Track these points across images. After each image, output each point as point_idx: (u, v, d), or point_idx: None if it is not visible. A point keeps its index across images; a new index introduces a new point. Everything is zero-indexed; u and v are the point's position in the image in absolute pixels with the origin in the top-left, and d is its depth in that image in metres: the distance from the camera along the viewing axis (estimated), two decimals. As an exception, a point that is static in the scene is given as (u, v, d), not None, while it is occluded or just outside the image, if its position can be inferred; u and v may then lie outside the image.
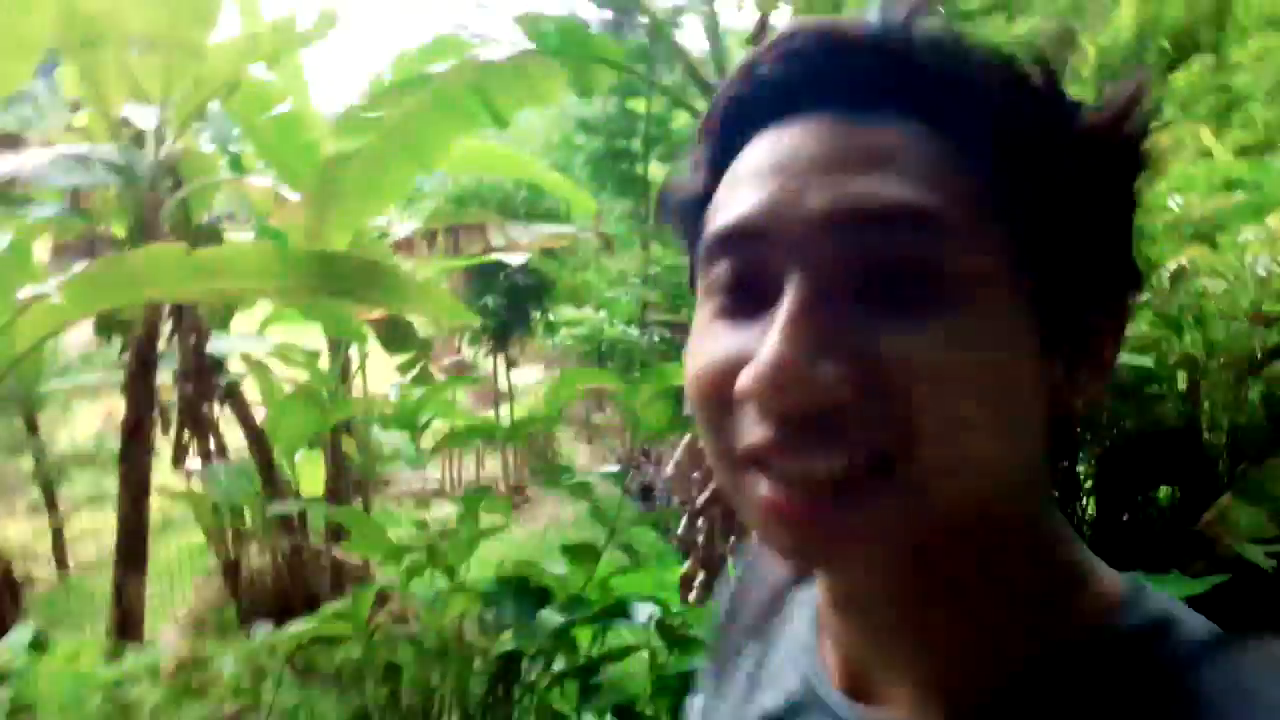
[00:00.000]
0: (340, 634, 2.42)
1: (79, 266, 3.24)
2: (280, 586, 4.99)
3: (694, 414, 0.37)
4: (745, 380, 0.32)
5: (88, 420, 6.19)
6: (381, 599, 2.84)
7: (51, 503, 5.21)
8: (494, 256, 4.74)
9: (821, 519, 0.33)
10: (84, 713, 2.12)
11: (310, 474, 5.30)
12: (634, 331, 6.74)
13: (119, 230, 4.23)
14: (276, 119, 4.54)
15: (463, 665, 2.33)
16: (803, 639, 0.45)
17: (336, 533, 5.33)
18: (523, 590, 2.48)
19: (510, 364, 6.68)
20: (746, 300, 0.35)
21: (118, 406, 6.95)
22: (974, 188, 0.33)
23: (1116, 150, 0.35)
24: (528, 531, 6.43)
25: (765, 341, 0.32)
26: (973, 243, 0.33)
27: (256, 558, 4.88)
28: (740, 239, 0.35)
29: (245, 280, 3.17)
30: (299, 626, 2.44)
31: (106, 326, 3.91)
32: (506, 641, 2.31)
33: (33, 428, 5.02)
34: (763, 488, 0.34)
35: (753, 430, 0.34)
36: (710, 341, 0.36)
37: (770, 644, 0.48)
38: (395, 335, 4.58)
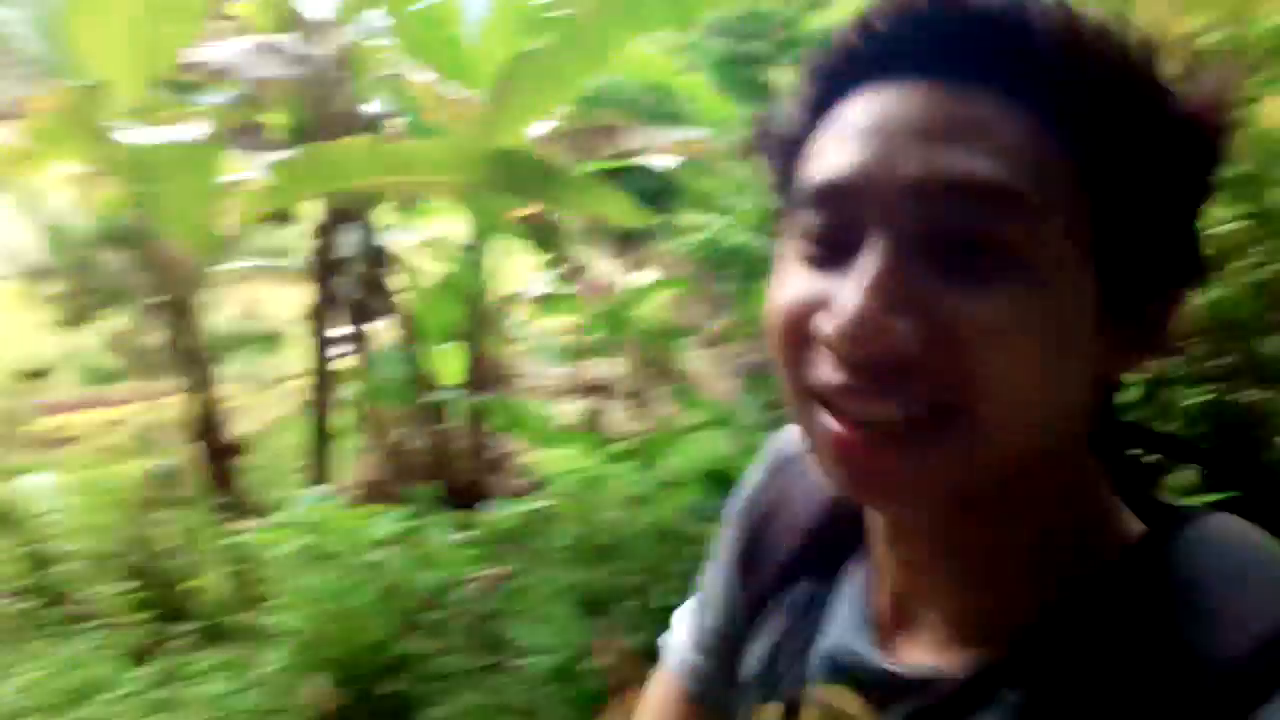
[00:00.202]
0: (563, 513, 2.60)
1: (273, 155, 3.38)
2: (428, 468, 5.33)
3: (770, 345, 0.40)
4: (824, 327, 0.36)
5: (229, 304, 6.55)
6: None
7: (210, 380, 5.57)
8: (641, 159, 4.73)
9: (882, 459, 0.36)
10: (355, 564, 2.37)
11: (450, 365, 5.55)
12: (756, 240, 6.65)
13: (276, 120, 4.35)
14: (422, 13, 4.53)
15: (677, 550, 2.49)
16: (857, 589, 0.48)
17: (477, 421, 5.61)
18: (726, 484, 2.60)
19: (634, 268, 6.74)
20: (831, 249, 0.37)
21: (256, 293, 7.29)
22: (1063, 168, 0.35)
23: (1203, 141, 0.37)
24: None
25: (846, 293, 0.35)
26: (1051, 223, 0.34)
27: (406, 440, 5.19)
28: (832, 194, 0.37)
29: (431, 173, 3.27)
30: (522, 506, 2.64)
31: (269, 214, 4.09)
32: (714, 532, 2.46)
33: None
34: (829, 423, 0.37)
35: (825, 371, 0.37)
36: (793, 282, 0.39)
37: (832, 583, 0.50)
38: (543, 234, 4.66)
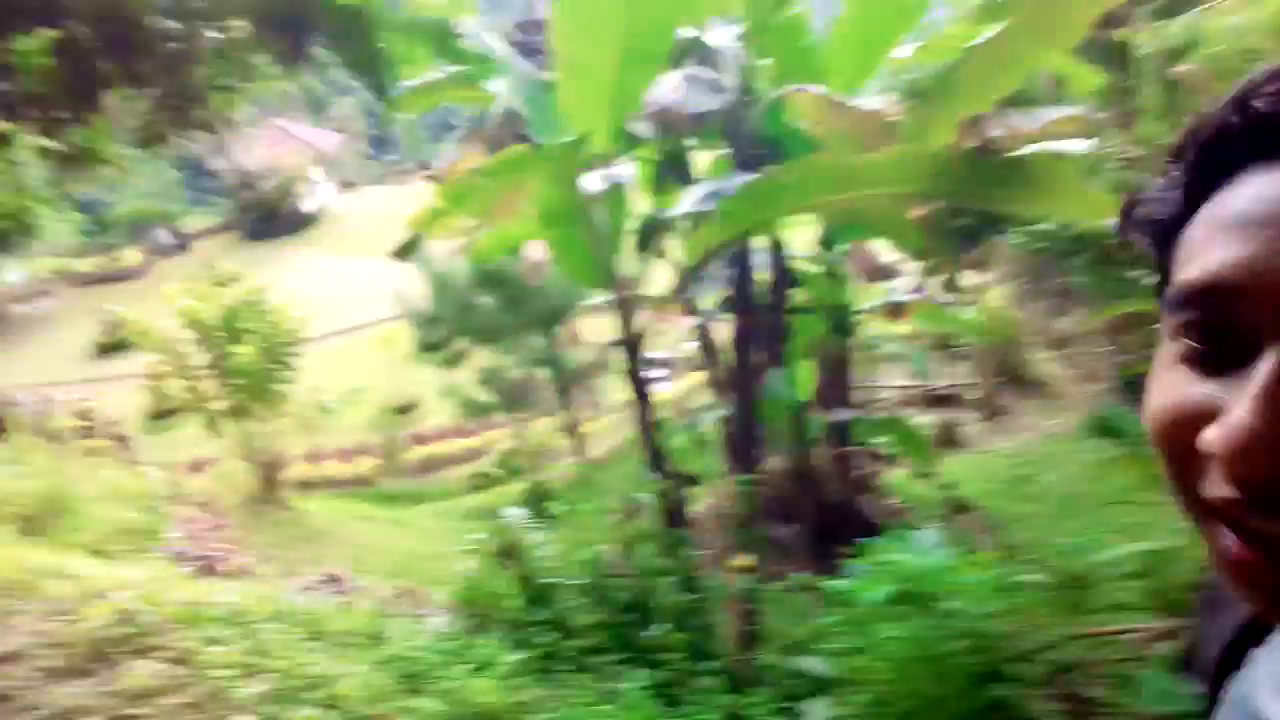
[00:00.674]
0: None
1: (708, 186, 3.38)
2: (790, 488, 5.22)
3: (1153, 450, 0.37)
4: (1213, 440, 0.32)
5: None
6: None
7: (568, 406, 5.87)
8: (1040, 145, 4.30)
9: None
10: (934, 610, 2.20)
11: (806, 381, 5.44)
12: (1106, 223, 5.92)
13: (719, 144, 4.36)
14: (778, 24, 4.44)
15: None
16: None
17: (840, 440, 5.44)
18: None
19: (977, 267, 6.29)
20: (1216, 350, 0.34)
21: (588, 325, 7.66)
22: None
23: None
24: (1013, 445, 6.20)
25: (1236, 405, 0.32)
26: None
27: (777, 461, 5.12)
28: (1215, 294, 0.34)
29: (885, 186, 3.09)
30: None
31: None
32: None
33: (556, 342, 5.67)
34: (1225, 538, 0.34)
35: (1216, 483, 0.33)
36: (1174, 385, 0.36)
37: (1249, 678, 0.44)
38: (935, 239, 4.38)
